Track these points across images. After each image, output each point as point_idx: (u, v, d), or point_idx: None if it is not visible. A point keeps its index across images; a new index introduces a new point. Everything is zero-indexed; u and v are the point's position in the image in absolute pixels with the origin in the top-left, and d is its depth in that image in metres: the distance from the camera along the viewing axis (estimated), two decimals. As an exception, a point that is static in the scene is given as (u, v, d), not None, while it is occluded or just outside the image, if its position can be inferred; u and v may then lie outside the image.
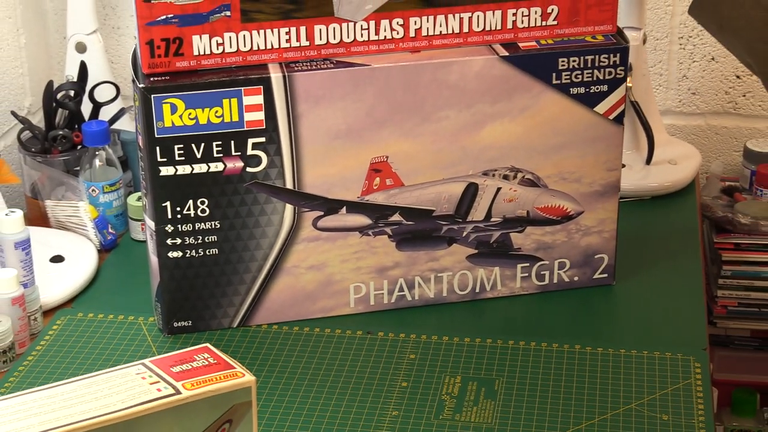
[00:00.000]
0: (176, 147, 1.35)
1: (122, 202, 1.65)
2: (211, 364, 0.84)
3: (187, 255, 1.41)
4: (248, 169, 1.38)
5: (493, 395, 1.33)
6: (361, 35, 1.25)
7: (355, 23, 1.21)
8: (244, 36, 1.29)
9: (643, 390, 1.33)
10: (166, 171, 1.36)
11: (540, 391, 1.33)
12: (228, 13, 1.26)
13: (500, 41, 1.26)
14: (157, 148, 1.35)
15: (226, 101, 1.35)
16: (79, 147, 1.68)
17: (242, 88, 1.34)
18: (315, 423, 1.28)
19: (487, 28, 1.26)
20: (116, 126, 1.74)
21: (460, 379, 1.36)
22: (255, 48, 1.30)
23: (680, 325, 1.46)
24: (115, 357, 1.40)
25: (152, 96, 1.33)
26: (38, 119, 1.76)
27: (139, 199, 1.62)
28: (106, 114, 1.74)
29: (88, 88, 1.74)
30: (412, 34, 1.25)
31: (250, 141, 1.37)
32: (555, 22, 1.27)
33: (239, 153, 1.37)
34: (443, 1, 1.24)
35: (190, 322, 1.45)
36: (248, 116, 1.36)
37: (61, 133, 1.68)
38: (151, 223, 1.40)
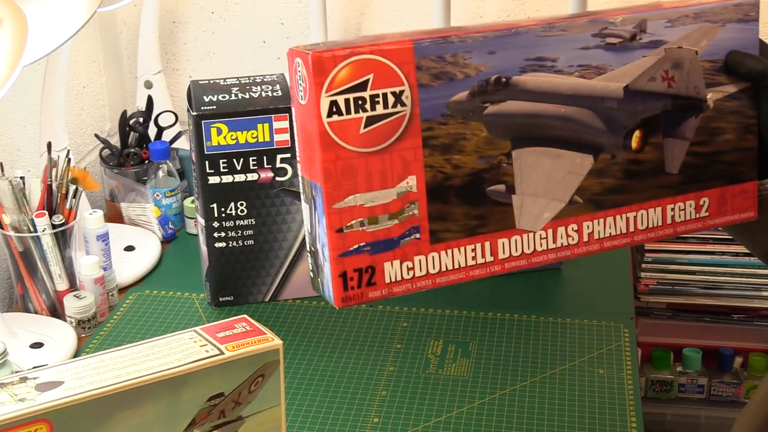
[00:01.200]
0: (221, 161, 1.34)
1: (180, 204, 1.64)
2: (248, 330, 0.82)
3: (230, 245, 1.39)
4: (277, 179, 1.36)
5: (467, 354, 1.31)
6: (540, 245, 0.93)
7: (534, 233, 0.92)
8: (432, 258, 0.92)
9: (584, 350, 1.32)
10: (214, 180, 1.35)
11: (504, 351, 1.32)
12: (418, 236, 0.90)
13: (661, 237, 0.99)
14: (206, 162, 1.34)
15: (260, 125, 1.33)
16: (146, 161, 1.67)
17: (272, 116, 1.33)
18: (329, 377, 1.27)
19: (650, 225, 0.97)
20: (175, 145, 1.73)
21: (442, 342, 1.34)
22: (443, 269, 0.92)
23: (612, 299, 1.44)
24: (173, 325, 1.39)
25: (202, 122, 1.32)
26: (115, 140, 1.76)
27: (192, 201, 1.60)
28: (167, 136, 1.73)
29: (153, 116, 1.73)
30: (585, 239, 0.95)
31: (279, 156, 1.35)
32: (707, 214, 0.99)
33: (270, 166, 1.35)
34: (611, 203, 0.95)
35: (232, 297, 1.43)
36: (277, 137, 1.34)
37: (132, 150, 1.68)
38: (201, 221, 1.39)
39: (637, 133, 0.93)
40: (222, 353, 0.79)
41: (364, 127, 0.83)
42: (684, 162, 0.95)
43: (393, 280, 0.90)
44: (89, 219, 1.43)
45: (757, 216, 1.00)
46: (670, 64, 0.92)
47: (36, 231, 1.34)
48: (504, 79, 0.88)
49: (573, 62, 0.90)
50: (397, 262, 0.90)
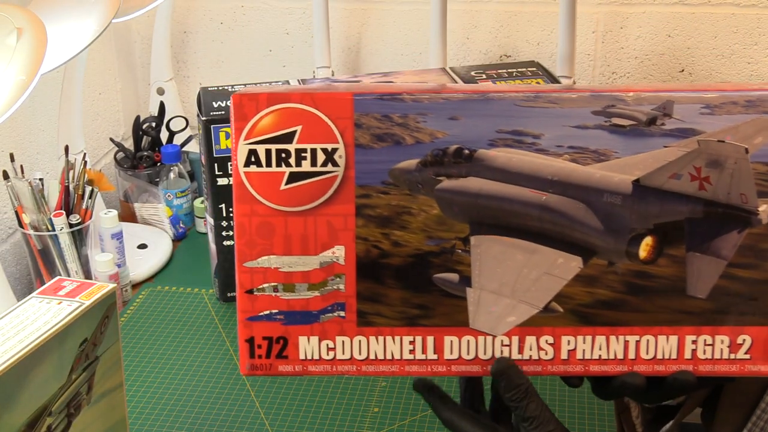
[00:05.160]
0: (229, 164, 1.33)
1: (190, 204, 1.63)
2: (81, 284, 0.84)
3: (238, 243, 1.38)
4: (282, 180, 1.35)
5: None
6: (502, 352, 0.74)
7: (494, 338, 0.74)
8: (359, 342, 0.76)
9: (572, 343, 1.31)
10: (222, 181, 1.34)
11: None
12: (342, 314, 0.76)
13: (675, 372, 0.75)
14: (215, 164, 1.33)
15: (266, 130, 1.32)
16: (158, 164, 1.67)
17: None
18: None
19: (659, 356, 0.73)
20: (186, 148, 1.73)
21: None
22: (372, 357, 0.76)
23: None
24: (184, 318, 1.38)
25: (212, 126, 1.31)
26: (129, 143, 1.75)
27: (202, 202, 1.60)
28: (178, 139, 1.73)
29: (165, 120, 1.72)
30: (564, 356, 0.74)
31: (284, 160, 1.34)
32: (747, 356, 0.73)
33: (276, 168, 1.34)
34: (603, 320, 0.73)
35: (240, 292, 1.41)
36: (282, 141, 1.33)
37: (145, 153, 1.67)
38: (210, 220, 1.38)
39: (648, 240, 0.73)
40: (83, 303, 0.81)
41: (286, 183, 0.72)
42: (716, 286, 0.72)
43: (309, 357, 0.76)
44: (104, 218, 1.42)
45: None
46: (704, 161, 0.70)
47: (54, 230, 1.34)
48: (467, 151, 0.71)
49: (563, 142, 0.71)
50: (315, 339, 0.76)
